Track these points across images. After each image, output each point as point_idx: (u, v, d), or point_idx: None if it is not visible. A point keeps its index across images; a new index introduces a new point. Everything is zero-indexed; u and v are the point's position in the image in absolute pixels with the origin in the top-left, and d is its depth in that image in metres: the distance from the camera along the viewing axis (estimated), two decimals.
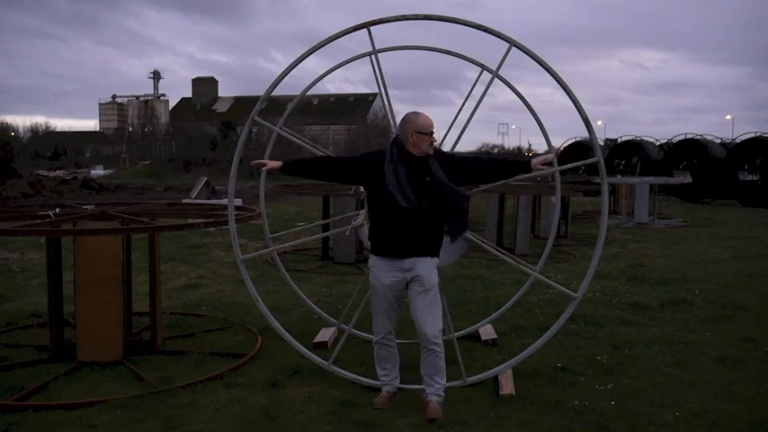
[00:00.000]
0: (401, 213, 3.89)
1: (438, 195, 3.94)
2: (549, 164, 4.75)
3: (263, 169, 4.24)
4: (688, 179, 20.05)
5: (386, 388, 4.24)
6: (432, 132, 3.98)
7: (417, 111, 4.05)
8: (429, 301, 4.00)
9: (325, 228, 8.80)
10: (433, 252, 4.07)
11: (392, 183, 3.89)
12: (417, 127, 3.94)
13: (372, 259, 4.11)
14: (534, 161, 4.18)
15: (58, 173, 34.98)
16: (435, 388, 4.08)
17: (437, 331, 4.02)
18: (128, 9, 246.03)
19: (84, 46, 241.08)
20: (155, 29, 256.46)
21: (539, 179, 13.09)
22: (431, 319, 4.00)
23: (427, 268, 4.00)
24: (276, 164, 4.20)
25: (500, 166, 4.40)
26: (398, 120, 4.18)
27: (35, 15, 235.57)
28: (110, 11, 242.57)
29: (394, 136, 4.12)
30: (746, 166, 23.61)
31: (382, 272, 4.04)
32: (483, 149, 78.32)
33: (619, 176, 19.60)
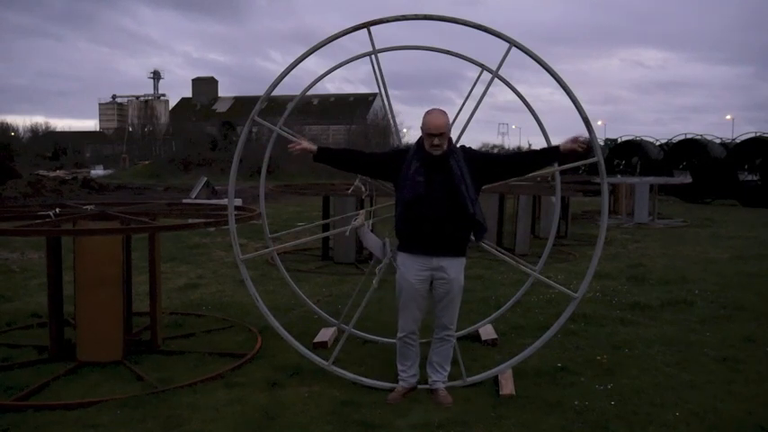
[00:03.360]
0: (421, 209, 3.92)
1: (455, 193, 3.91)
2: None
3: (297, 148, 4.23)
4: (688, 179, 20.06)
5: (402, 383, 4.28)
6: (434, 134, 3.92)
7: (433, 109, 4.02)
8: (452, 299, 4.14)
9: (325, 228, 8.80)
10: (461, 251, 4.10)
11: (404, 177, 3.96)
12: (423, 126, 3.99)
13: (400, 256, 4.14)
14: (564, 144, 4.08)
15: (58, 173, 34.91)
16: (442, 375, 4.28)
17: (453, 321, 4.21)
18: (123, 7, 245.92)
19: (80, 45, 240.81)
20: (151, 28, 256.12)
21: (539, 179, 13.08)
22: (450, 312, 4.18)
23: (456, 270, 4.07)
24: (311, 147, 4.22)
25: (526, 157, 4.45)
26: (398, 120, 4.22)
27: (31, 14, 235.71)
28: (105, 9, 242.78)
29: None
30: (746, 166, 23.62)
31: (409, 269, 4.07)
32: (483, 149, 78.41)
33: (619, 176, 19.60)
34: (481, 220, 3.97)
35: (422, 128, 4.00)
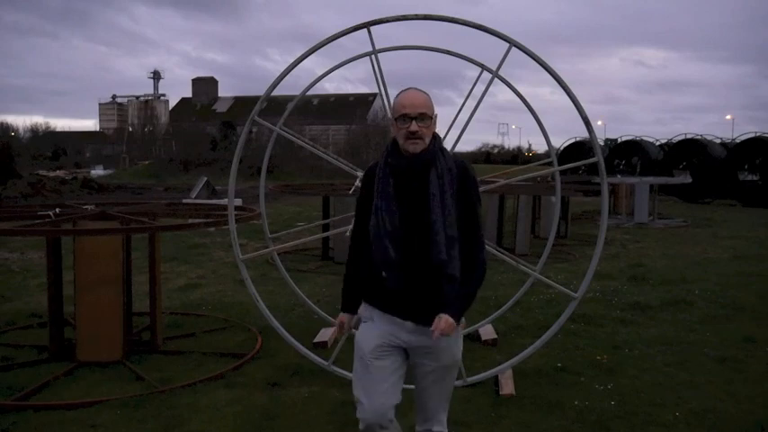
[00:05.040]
0: (386, 248, 2.55)
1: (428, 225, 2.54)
2: (550, 164, 4.70)
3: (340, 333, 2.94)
4: (688, 179, 20.06)
5: None
6: (411, 115, 2.55)
7: (410, 87, 2.70)
8: (445, 385, 2.76)
9: (326, 228, 8.80)
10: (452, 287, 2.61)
11: (377, 201, 2.59)
12: (395, 108, 2.63)
13: (363, 308, 2.77)
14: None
15: (58, 173, 34.99)
16: None
17: (441, 413, 2.83)
18: (119, 6, 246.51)
19: (76, 44, 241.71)
20: (147, 26, 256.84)
21: (539, 179, 13.08)
22: (436, 400, 2.78)
23: (444, 338, 2.56)
24: (350, 323, 2.88)
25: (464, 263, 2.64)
26: None
27: (26, 12, 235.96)
28: (100, 7, 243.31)
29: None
30: (746, 166, 23.64)
31: (374, 328, 2.67)
32: (483, 149, 78.27)
33: (619, 176, 19.59)
34: (453, 273, 2.54)
35: (393, 112, 2.65)
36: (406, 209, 2.57)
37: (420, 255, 2.55)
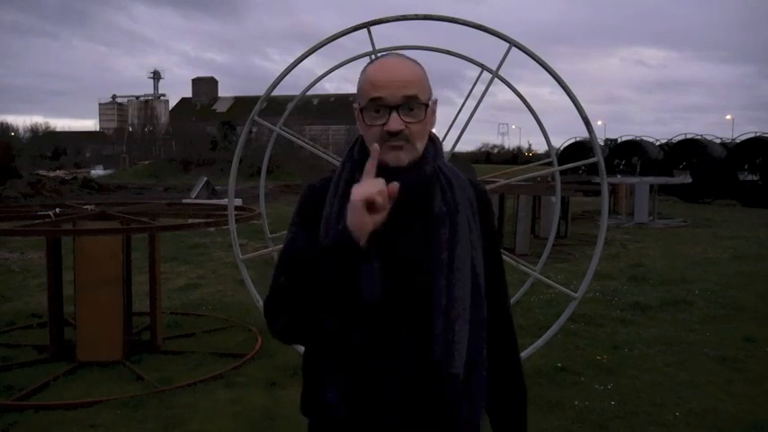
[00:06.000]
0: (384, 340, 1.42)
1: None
2: (550, 164, 4.70)
3: None
4: (688, 179, 20.06)
5: None
6: (389, 102, 1.39)
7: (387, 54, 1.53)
8: None
9: None
10: (472, 421, 1.56)
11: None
12: (363, 88, 1.46)
13: None
14: None
15: (58, 173, 35.00)
16: None
17: None
18: (118, 5, 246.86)
19: (76, 44, 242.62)
20: (146, 26, 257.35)
21: (539, 179, 13.08)
22: None
23: None
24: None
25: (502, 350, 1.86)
26: None
27: (24, 12, 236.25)
28: (98, 6, 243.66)
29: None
30: (746, 166, 23.65)
31: None
32: (483, 149, 78.20)
33: (619, 176, 19.59)
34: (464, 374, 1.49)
35: (360, 96, 1.47)
36: (388, 268, 1.40)
37: (413, 352, 1.43)
